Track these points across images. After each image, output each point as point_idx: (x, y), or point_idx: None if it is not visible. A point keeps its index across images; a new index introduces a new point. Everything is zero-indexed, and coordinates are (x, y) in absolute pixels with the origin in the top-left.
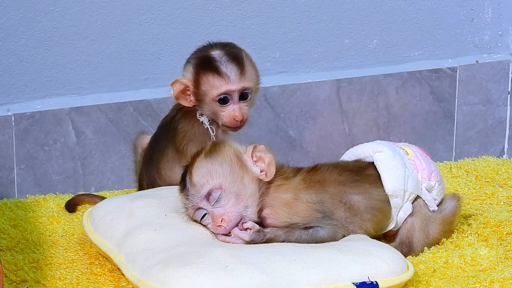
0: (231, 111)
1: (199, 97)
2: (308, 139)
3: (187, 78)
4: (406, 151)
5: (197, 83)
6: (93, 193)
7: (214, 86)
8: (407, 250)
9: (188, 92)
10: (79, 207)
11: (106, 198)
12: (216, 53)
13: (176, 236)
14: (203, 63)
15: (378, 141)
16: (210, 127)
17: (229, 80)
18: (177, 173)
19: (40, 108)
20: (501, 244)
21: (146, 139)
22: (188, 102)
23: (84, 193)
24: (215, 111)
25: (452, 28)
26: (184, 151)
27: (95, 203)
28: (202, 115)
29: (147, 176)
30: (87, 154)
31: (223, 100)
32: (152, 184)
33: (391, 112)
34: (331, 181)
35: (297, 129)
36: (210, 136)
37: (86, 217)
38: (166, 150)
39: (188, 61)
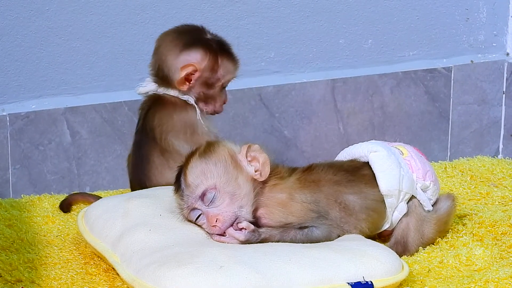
0: (224, 97)
1: (209, 81)
2: (303, 139)
3: (197, 62)
4: (401, 151)
5: (215, 67)
6: (87, 192)
7: (230, 71)
8: (402, 250)
9: (192, 77)
10: (74, 207)
11: (100, 197)
12: (219, 38)
13: (171, 236)
14: (222, 48)
15: (373, 141)
16: (194, 104)
17: (238, 66)
18: (168, 177)
19: (35, 108)
20: (496, 244)
21: None
22: (187, 86)
23: (78, 192)
24: (215, 96)
25: (447, 28)
26: (166, 145)
27: (89, 202)
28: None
29: (139, 185)
30: (82, 154)
31: (227, 85)
32: None
33: (386, 112)
34: (326, 181)
35: (292, 129)
36: (196, 115)
37: (81, 217)
38: (151, 157)
39: (189, 45)
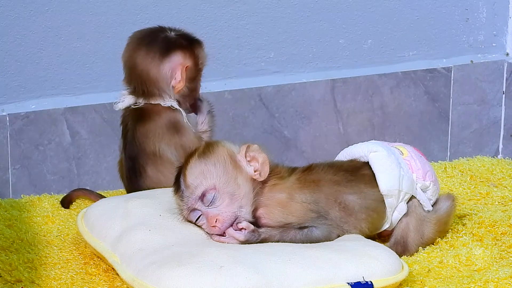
0: (200, 84)
1: (193, 75)
2: (303, 139)
3: (181, 64)
4: (401, 151)
5: (195, 60)
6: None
7: (204, 56)
8: (402, 250)
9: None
10: (74, 206)
11: (100, 194)
12: (181, 32)
13: (170, 236)
14: (190, 40)
15: (373, 141)
16: (179, 108)
17: (204, 47)
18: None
19: (34, 108)
20: (495, 244)
21: None
22: (183, 85)
23: (80, 188)
24: (196, 86)
25: (447, 28)
26: (159, 155)
27: (89, 198)
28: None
29: None
30: (82, 154)
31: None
32: None
33: (386, 112)
34: (326, 180)
35: (292, 129)
36: (181, 119)
37: (80, 217)
38: (145, 171)
39: (166, 51)
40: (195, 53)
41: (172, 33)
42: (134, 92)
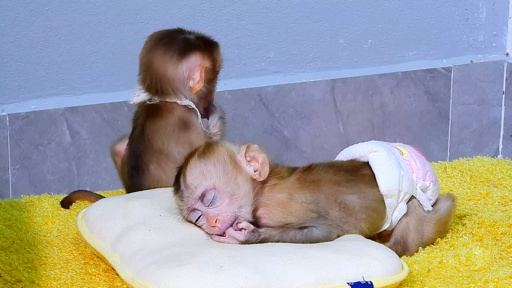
0: (216, 87)
1: (210, 76)
2: (303, 139)
3: (199, 65)
4: (401, 151)
5: (213, 62)
6: (89, 191)
7: (221, 59)
8: (402, 250)
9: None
10: (74, 206)
11: (100, 195)
12: (198, 34)
13: (170, 236)
14: (207, 42)
15: (373, 141)
16: (195, 108)
17: (220, 49)
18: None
19: (34, 108)
20: (495, 244)
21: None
22: (202, 85)
23: (80, 190)
24: (212, 89)
25: (447, 28)
26: (167, 153)
27: (89, 199)
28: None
29: None
30: (81, 154)
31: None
32: None
33: (386, 112)
34: (326, 180)
35: (292, 129)
36: (194, 118)
37: (80, 217)
38: (147, 169)
39: (185, 52)
40: (213, 55)
41: (191, 36)
42: (149, 89)
